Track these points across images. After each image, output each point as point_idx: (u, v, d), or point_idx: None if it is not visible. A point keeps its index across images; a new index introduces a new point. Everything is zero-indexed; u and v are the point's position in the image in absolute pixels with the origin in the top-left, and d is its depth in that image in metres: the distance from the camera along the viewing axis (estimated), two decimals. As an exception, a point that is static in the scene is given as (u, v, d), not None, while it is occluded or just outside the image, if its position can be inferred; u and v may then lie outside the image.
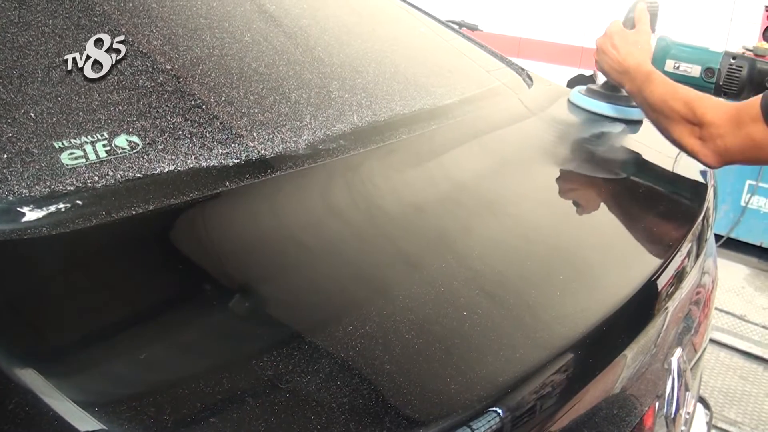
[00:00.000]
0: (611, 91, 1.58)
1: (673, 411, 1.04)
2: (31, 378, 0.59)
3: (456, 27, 1.90)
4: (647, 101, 1.33)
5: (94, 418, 0.56)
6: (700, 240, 1.16)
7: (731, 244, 3.64)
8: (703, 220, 1.16)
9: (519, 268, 0.91)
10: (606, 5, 4.54)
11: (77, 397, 0.57)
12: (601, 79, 1.61)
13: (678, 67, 1.48)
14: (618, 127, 1.52)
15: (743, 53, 4.14)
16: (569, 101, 1.62)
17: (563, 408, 0.72)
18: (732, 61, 1.42)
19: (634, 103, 1.50)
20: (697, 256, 1.14)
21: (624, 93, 1.53)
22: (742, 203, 3.84)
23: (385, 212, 0.99)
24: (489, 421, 0.65)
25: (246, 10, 1.19)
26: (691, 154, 1.29)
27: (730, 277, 3.67)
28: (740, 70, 1.41)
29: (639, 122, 1.55)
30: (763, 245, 3.76)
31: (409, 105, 1.23)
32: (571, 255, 0.99)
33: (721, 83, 1.43)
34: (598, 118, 1.55)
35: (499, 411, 0.66)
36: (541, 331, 0.79)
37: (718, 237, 3.72)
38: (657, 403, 0.99)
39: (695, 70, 1.45)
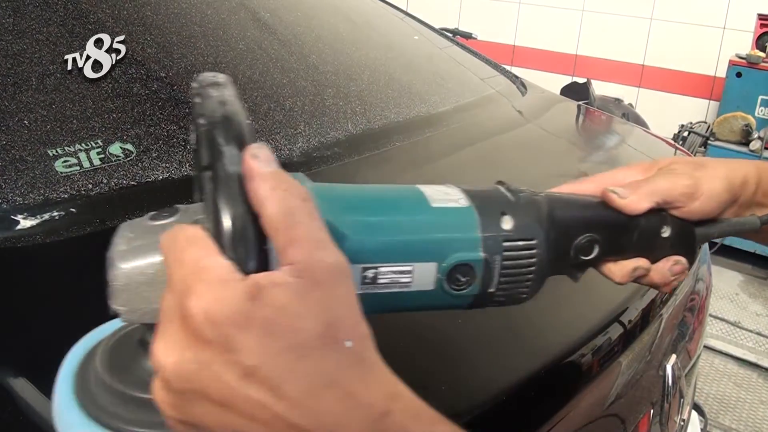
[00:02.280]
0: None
1: (668, 418, 1.04)
2: (23, 386, 0.59)
3: (450, 35, 1.91)
4: None
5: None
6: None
7: (725, 251, 3.65)
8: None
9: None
10: (599, 12, 4.57)
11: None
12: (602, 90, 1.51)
13: (374, 280, 0.48)
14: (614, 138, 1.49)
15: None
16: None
17: (558, 415, 0.72)
18: (506, 229, 0.52)
19: None
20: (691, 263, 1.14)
21: None
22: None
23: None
24: (483, 427, 0.65)
25: (240, 18, 1.20)
26: None
27: (724, 284, 3.68)
28: (530, 254, 0.54)
29: None
30: (757, 252, 3.78)
31: (403, 113, 1.23)
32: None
33: (493, 289, 0.53)
34: None
35: (493, 417, 0.66)
36: (536, 339, 0.79)
37: (711, 244, 3.73)
38: (652, 410, 0.99)
39: (423, 275, 0.49)
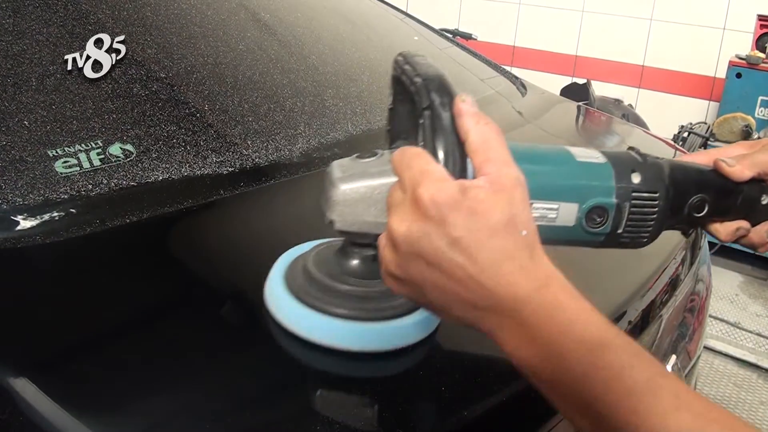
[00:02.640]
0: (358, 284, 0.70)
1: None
2: (23, 386, 0.59)
3: (450, 36, 1.91)
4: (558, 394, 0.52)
5: (86, 425, 0.56)
6: (694, 247, 1.16)
7: (725, 252, 3.65)
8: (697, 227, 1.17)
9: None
10: (598, 13, 4.57)
11: (68, 404, 0.57)
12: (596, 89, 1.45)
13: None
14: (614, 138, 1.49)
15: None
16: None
17: (558, 416, 0.72)
18: (635, 182, 0.65)
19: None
20: (691, 263, 1.14)
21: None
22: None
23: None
24: None
25: (240, 18, 1.20)
26: None
27: (724, 284, 3.67)
28: (653, 204, 0.66)
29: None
30: (757, 253, 3.78)
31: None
32: (564, 262, 0.98)
33: (620, 230, 0.65)
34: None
35: (491, 420, 0.66)
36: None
37: (711, 245, 3.72)
38: (651, 411, 0.99)
39: (567, 213, 0.63)
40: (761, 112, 3.74)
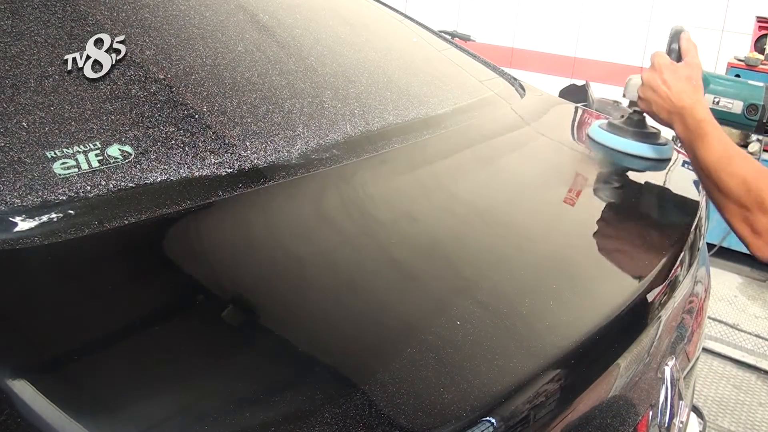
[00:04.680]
0: (637, 127, 1.43)
1: (667, 420, 1.04)
2: (22, 387, 0.59)
3: (449, 37, 1.91)
4: (697, 161, 1.16)
5: (85, 426, 0.56)
6: (693, 249, 1.16)
7: (724, 253, 3.65)
8: (695, 229, 1.17)
9: (513, 277, 0.91)
10: (597, 14, 4.57)
11: (67, 405, 0.57)
12: (595, 90, 1.72)
13: (718, 102, 1.34)
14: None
15: None
16: (589, 137, 1.48)
17: (557, 417, 0.72)
18: None
19: (662, 141, 1.43)
20: (690, 265, 1.14)
21: (651, 129, 1.44)
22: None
23: (378, 221, 0.99)
24: (483, 431, 0.65)
25: (239, 20, 1.20)
26: (743, 241, 1.12)
27: (723, 286, 3.68)
28: None
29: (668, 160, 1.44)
30: (756, 254, 3.77)
31: (401, 115, 1.23)
32: (565, 265, 0.99)
33: (765, 120, 1.30)
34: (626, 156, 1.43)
35: (493, 420, 0.66)
36: (534, 340, 0.79)
37: (710, 246, 3.72)
38: (651, 412, 0.99)
39: (737, 106, 1.32)
40: (760, 113, 3.73)
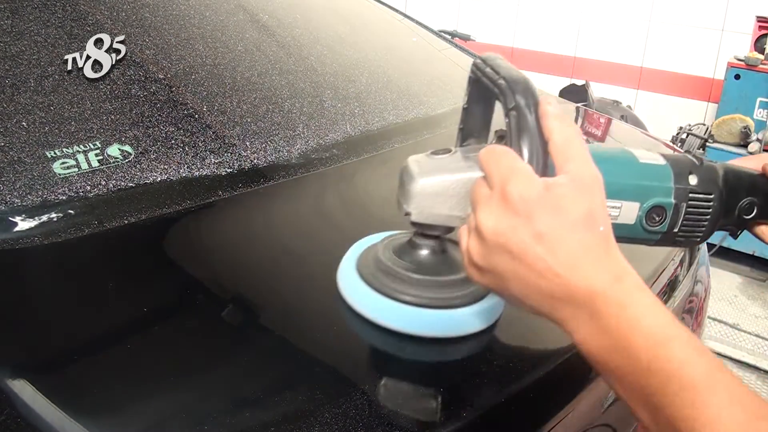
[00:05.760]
0: (429, 272, 0.73)
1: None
2: (22, 387, 0.59)
3: (449, 37, 1.91)
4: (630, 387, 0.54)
5: (85, 426, 0.56)
6: (693, 249, 1.16)
7: (724, 253, 3.64)
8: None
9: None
10: (597, 14, 4.57)
11: (67, 405, 0.57)
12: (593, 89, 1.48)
13: None
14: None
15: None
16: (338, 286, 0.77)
17: (555, 418, 0.72)
18: (692, 184, 0.69)
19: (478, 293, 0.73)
20: (690, 264, 1.14)
21: (460, 273, 0.72)
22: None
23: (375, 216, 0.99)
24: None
25: (239, 19, 1.20)
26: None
27: (723, 286, 3.67)
28: (708, 205, 0.70)
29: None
30: (756, 254, 3.77)
31: (401, 114, 1.23)
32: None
33: (677, 229, 0.70)
34: None
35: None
36: (533, 341, 0.79)
37: (710, 246, 3.71)
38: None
39: (629, 212, 0.67)
40: (760, 113, 3.74)
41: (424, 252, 0.73)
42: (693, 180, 0.69)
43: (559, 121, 0.58)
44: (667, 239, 0.70)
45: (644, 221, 0.67)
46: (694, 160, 0.70)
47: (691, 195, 0.68)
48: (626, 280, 0.54)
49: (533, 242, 0.54)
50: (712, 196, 0.70)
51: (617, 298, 0.53)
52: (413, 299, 0.70)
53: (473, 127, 0.71)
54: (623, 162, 0.68)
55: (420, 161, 0.67)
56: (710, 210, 0.70)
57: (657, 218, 0.68)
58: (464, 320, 0.72)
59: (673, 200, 0.68)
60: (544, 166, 0.58)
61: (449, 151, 0.68)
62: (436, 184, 0.65)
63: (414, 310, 0.70)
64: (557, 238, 0.54)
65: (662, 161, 0.69)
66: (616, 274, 0.54)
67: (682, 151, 1.68)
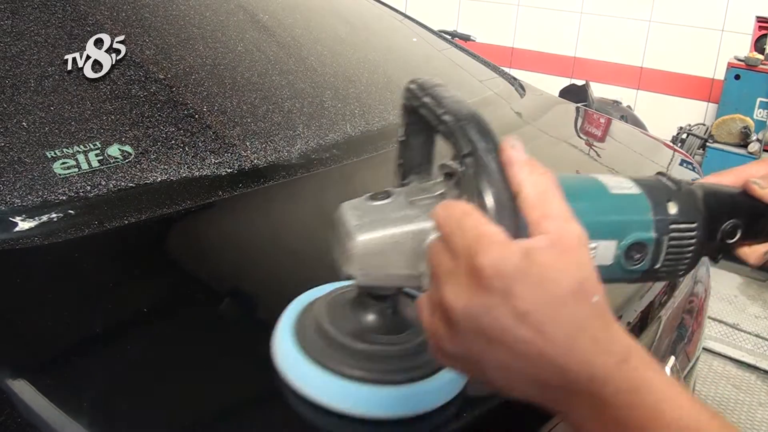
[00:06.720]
0: (373, 341, 0.62)
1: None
2: (22, 387, 0.59)
3: (449, 37, 1.91)
4: None
5: (84, 427, 0.56)
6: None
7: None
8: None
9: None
10: (597, 14, 4.57)
11: (67, 405, 0.57)
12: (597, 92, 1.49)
13: None
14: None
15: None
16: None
17: (555, 418, 0.72)
18: (672, 213, 0.60)
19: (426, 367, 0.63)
20: (690, 264, 1.14)
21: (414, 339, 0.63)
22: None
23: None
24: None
25: (239, 20, 1.20)
26: None
27: (723, 286, 3.67)
28: (691, 235, 0.61)
29: None
30: None
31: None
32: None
33: (658, 266, 0.61)
34: None
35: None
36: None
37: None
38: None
39: (606, 251, 0.58)
40: (760, 113, 3.74)
41: (372, 316, 0.62)
42: (673, 209, 0.59)
43: (529, 169, 0.48)
44: (648, 276, 0.60)
45: (623, 260, 0.57)
46: (670, 184, 0.61)
47: (672, 226, 0.59)
48: (632, 359, 0.45)
49: (515, 324, 0.43)
50: (695, 225, 0.60)
51: (628, 384, 0.44)
52: (362, 374, 0.59)
53: (413, 162, 0.62)
54: (594, 195, 0.58)
55: (357, 209, 0.56)
56: (694, 240, 0.60)
57: (637, 256, 0.58)
58: (425, 395, 0.60)
59: (653, 234, 0.58)
60: (515, 226, 0.47)
61: (390, 194, 0.57)
62: (379, 240, 0.54)
63: (364, 388, 0.58)
64: (545, 316, 0.43)
65: (636, 189, 0.59)
66: (620, 354, 0.44)
67: (683, 152, 1.68)
